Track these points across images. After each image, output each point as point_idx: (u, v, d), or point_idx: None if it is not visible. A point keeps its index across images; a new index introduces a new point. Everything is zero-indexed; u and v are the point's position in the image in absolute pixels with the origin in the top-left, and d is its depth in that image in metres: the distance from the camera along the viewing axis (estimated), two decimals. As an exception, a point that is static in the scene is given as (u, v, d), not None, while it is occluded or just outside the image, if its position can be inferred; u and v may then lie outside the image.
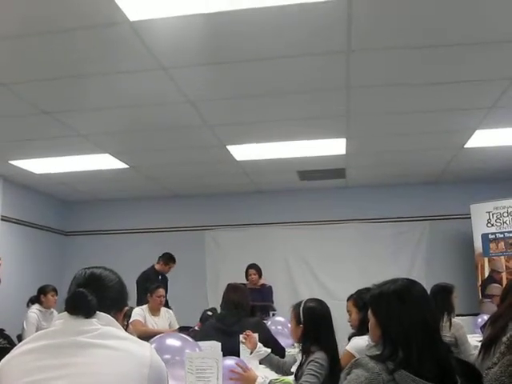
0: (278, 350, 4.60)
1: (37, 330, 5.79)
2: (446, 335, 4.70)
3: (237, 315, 4.52)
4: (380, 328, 2.13)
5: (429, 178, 8.62)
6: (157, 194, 9.42)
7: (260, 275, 7.73)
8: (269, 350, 3.98)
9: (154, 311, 6.43)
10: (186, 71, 4.57)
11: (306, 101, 5.29)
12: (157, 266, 7.78)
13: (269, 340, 4.53)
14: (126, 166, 7.61)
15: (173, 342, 3.49)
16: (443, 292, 5.07)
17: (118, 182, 8.64)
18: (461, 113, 5.64)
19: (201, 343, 3.59)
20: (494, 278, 7.87)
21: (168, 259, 7.79)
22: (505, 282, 7.49)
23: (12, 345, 5.18)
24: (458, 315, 5.17)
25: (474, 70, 4.62)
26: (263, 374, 3.65)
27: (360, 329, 3.83)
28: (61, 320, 1.84)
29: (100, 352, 1.74)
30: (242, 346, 4.13)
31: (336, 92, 5.08)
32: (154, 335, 5.43)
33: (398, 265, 8.52)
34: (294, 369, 3.53)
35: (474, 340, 5.32)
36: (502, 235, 7.87)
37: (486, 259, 8.01)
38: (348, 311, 4.15)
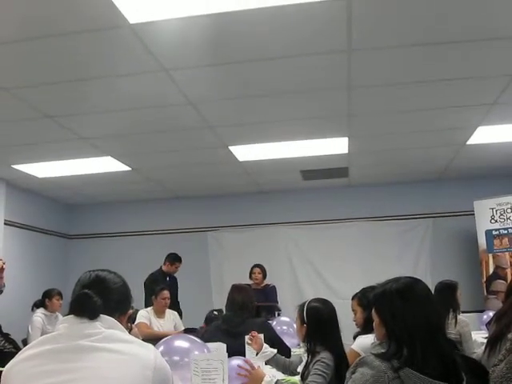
0: (284, 350, 4.60)
1: (42, 334, 5.79)
2: (452, 332, 4.69)
3: (242, 316, 4.52)
4: (384, 326, 2.13)
5: (431, 175, 8.62)
6: (160, 195, 9.42)
7: (265, 276, 7.74)
8: (275, 351, 3.98)
9: (159, 313, 6.43)
10: (188, 72, 4.57)
11: (307, 100, 5.29)
12: (164, 268, 7.79)
13: (274, 340, 4.52)
14: (129, 169, 7.62)
15: (181, 343, 3.49)
16: (448, 289, 5.06)
17: (120, 185, 8.65)
18: (462, 110, 5.63)
19: (207, 344, 3.59)
20: (498, 274, 7.86)
21: (173, 259, 7.79)
22: (510, 278, 7.49)
23: (17, 349, 5.18)
24: (463, 312, 5.16)
25: (476, 67, 4.62)
26: (270, 373, 3.64)
27: (365, 327, 3.82)
28: (64, 324, 1.84)
29: (104, 356, 1.74)
30: (247, 347, 4.13)
31: (338, 91, 5.08)
32: (160, 337, 5.44)
33: (402, 263, 8.50)
34: (300, 369, 3.53)
35: (480, 337, 5.32)
36: (506, 231, 7.86)
37: (491, 255, 8.00)
38: (353, 310, 4.14)
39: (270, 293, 7.61)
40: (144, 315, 6.27)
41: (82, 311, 1.82)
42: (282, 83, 4.85)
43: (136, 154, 7.05)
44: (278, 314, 6.69)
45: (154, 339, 5.12)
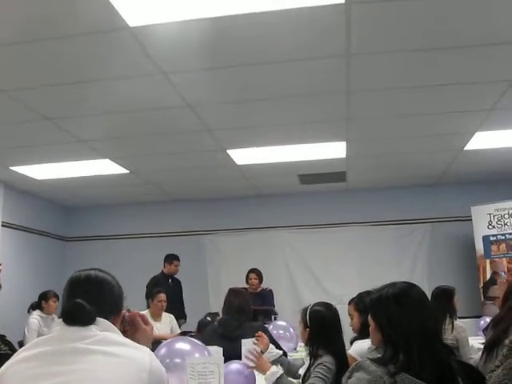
0: (280, 355, 4.60)
1: (38, 336, 5.76)
2: (448, 338, 4.69)
3: (238, 320, 4.52)
4: (380, 332, 2.13)
5: (429, 180, 8.62)
6: (157, 198, 9.42)
7: (261, 280, 7.74)
8: (280, 352, 3.98)
9: (156, 316, 6.41)
10: (186, 76, 4.57)
11: (306, 104, 5.29)
12: (165, 270, 7.81)
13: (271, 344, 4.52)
14: (126, 171, 7.62)
15: (182, 346, 3.49)
16: (444, 295, 5.06)
17: (118, 187, 8.64)
18: (461, 115, 5.64)
19: (204, 348, 3.59)
20: (495, 279, 7.86)
21: (171, 258, 7.82)
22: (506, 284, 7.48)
23: (13, 351, 5.15)
24: (460, 317, 5.17)
25: (474, 72, 4.62)
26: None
27: (362, 332, 3.81)
28: (59, 326, 1.83)
29: (99, 358, 1.73)
30: (243, 351, 4.12)
31: (336, 95, 5.08)
32: (156, 340, 5.43)
33: (399, 267, 8.51)
34: (301, 371, 3.53)
35: (477, 342, 5.32)
36: (504, 237, 7.86)
37: (488, 261, 8.00)
38: (349, 315, 4.14)
39: (266, 297, 7.61)
40: (140, 318, 6.25)
41: (74, 321, 1.80)
42: (281, 87, 4.86)
43: (134, 157, 7.05)
44: (275, 318, 6.68)
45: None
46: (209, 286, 9.30)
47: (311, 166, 7.50)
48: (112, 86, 4.72)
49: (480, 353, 3.28)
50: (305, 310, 3.48)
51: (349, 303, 4.20)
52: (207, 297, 9.12)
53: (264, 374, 3.30)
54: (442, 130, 6.15)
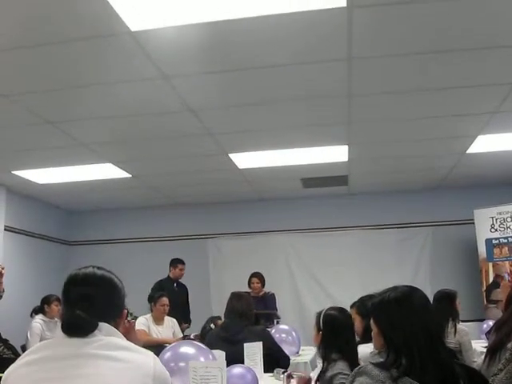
0: (283, 358, 4.60)
1: (41, 340, 5.78)
2: (451, 341, 4.68)
3: (241, 324, 4.52)
4: (382, 336, 2.13)
5: (431, 183, 8.62)
6: (160, 202, 9.42)
7: (263, 284, 7.75)
8: None
9: (158, 320, 6.42)
10: (188, 80, 4.58)
11: (307, 108, 5.30)
12: (170, 274, 7.85)
13: (273, 348, 4.53)
14: (129, 176, 7.62)
15: (187, 349, 3.49)
16: (446, 298, 5.05)
17: (120, 192, 8.65)
18: (463, 118, 5.64)
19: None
20: (498, 283, 7.84)
21: (175, 262, 7.86)
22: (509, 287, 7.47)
23: (16, 355, 5.17)
24: (462, 321, 5.15)
25: (476, 76, 4.62)
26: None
27: (364, 336, 3.82)
28: (60, 337, 1.81)
29: (105, 363, 1.72)
30: (246, 354, 4.12)
31: (338, 99, 5.08)
32: (159, 344, 5.44)
33: (401, 271, 8.49)
34: (313, 374, 3.52)
35: (479, 346, 5.31)
36: (506, 240, 7.85)
37: (491, 264, 7.99)
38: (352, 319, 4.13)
39: (269, 300, 7.62)
40: (143, 322, 6.26)
41: (75, 333, 1.78)
42: (282, 91, 4.86)
43: (136, 161, 7.06)
44: (277, 322, 6.68)
45: (152, 346, 5.12)
46: (211, 289, 9.29)
47: (313, 169, 7.50)
48: (114, 90, 4.73)
49: (483, 356, 3.28)
50: (319, 313, 3.48)
51: (351, 307, 4.20)
52: (209, 301, 9.11)
53: None
54: (444, 134, 6.15)
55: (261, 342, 4.22)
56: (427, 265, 8.76)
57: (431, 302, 2.41)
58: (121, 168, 7.25)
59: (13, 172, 7.26)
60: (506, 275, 7.79)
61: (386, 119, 5.67)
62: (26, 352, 1.84)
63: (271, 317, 6.88)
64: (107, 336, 1.80)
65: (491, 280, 7.98)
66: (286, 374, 3.87)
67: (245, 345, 4.15)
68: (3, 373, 1.79)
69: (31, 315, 6.70)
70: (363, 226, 9.01)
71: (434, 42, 4.01)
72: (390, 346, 2.06)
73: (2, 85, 4.56)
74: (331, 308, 3.49)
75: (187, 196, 9.09)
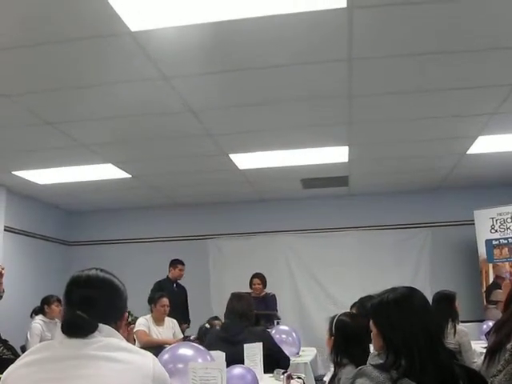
0: (283, 359, 4.60)
1: (41, 341, 5.78)
2: (451, 342, 4.68)
3: (241, 324, 4.51)
4: (381, 337, 2.13)
5: (432, 184, 8.61)
6: (160, 203, 9.42)
7: (265, 285, 7.76)
8: None
9: (158, 321, 6.41)
10: (188, 80, 4.58)
11: (308, 109, 5.30)
12: (170, 275, 7.85)
13: (273, 349, 4.52)
14: (129, 176, 7.62)
15: (185, 351, 3.49)
16: (446, 299, 5.05)
17: (120, 192, 8.65)
18: (463, 119, 5.64)
19: (207, 353, 3.59)
20: (498, 283, 7.83)
21: (175, 263, 7.87)
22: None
23: (16, 356, 5.17)
24: (462, 322, 5.15)
25: (477, 77, 4.62)
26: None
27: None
28: (60, 338, 1.81)
29: (105, 364, 1.73)
30: (246, 355, 4.12)
31: (338, 100, 5.08)
32: (159, 345, 5.44)
33: (401, 272, 8.48)
34: (326, 378, 3.52)
35: (479, 347, 5.31)
36: (506, 241, 7.85)
37: (491, 265, 7.99)
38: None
39: (269, 301, 7.62)
40: (143, 323, 6.25)
41: (75, 333, 1.78)
42: (283, 91, 4.86)
43: (136, 161, 7.06)
44: (278, 323, 6.68)
45: (152, 347, 5.12)
46: (211, 290, 9.28)
47: (314, 170, 7.50)
48: (114, 90, 4.73)
49: (482, 357, 3.27)
50: (332, 318, 3.49)
51: (350, 308, 4.20)
52: (210, 301, 9.11)
53: None
54: (444, 134, 6.15)
55: (261, 343, 4.22)
56: (427, 265, 8.76)
57: (431, 302, 2.41)
58: (121, 168, 7.25)
59: (13, 172, 7.26)
60: (508, 275, 7.78)
61: (386, 120, 5.66)
62: (26, 353, 1.84)
63: (271, 317, 6.88)
64: (107, 337, 1.80)
65: (491, 281, 7.97)
66: (286, 374, 3.88)
67: (245, 345, 4.15)
68: (3, 373, 1.79)
69: (31, 316, 6.69)
70: (363, 226, 9.01)
71: (434, 43, 4.01)
72: (390, 347, 2.06)
73: (2, 85, 4.56)
74: (344, 314, 3.51)
75: (187, 196, 9.09)
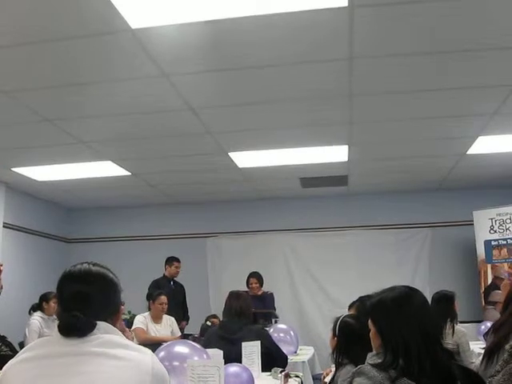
0: (281, 358, 4.60)
1: (39, 337, 5.78)
2: (449, 342, 4.68)
3: (239, 323, 4.52)
4: (380, 336, 2.13)
5: (431, 184, 8.61)
6: (159, 201, 9.42)
7: (261, 284, 7.74)
8: None
9: (156, 319, 6.41)
10: (188, 78, 4.57)
11: (308, 108, 5.29)
12: (166, 273, 7.83)
13: (271, 348, 4.52)
14: (128, 173, 7.62)
15: (181, 349, 3.49)
16: (445, 300, 5.05)
17: (120, 189, 8.65)
18: (463, 119, 5.64)
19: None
20: (497, 284, 7.84)
21: (171, 260, 7.83)
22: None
23: (14, 352, 5.16)
24: (460, 322, 5.16)
25: (477, 77, 4.62)
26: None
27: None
28: (57, 338, 1.80)
29: (105, 361, 1.72)
30: (243, 353, 4.12)
31: (338, 99, 5.08)
32: (157, 342, 5.43)
33: (400, 272, 8.49)
34: (327, 379, 3.53)
35: (477, 347, 5.31)
36: (505, 242, 7.85)
37: (489, 266, 7.99)
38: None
39: (267, 300, 7.61)
40: (141, 320, 6.26)
41: (72, 333, 1.77)
42: (283, 90, 4.86)
43: (136, 159, 7.06)
44: (275, 321, 6.69)
45: (150, 344, 5.12)
46: (209, 288, 9.29)
47: (313, 169, 7.49)
48: (113, 87, 4.72)
49: (480, 357, 3.28)
50: (337, 319, 3.50)
51: (349, 307, 4.20)
52: (208, 299, 9.11)
53: None
54: (444, 135, 6.15)
55: (259, 341, 4.23)
56: (426, 265, 8.76)
57: (430, 302, 2.41)
58: (120, 166, 7.24)
59: (12, 169, 7.26)
60: (507, 274, 7.78)
61: (386, 119, 5.66)
62: (24, 349, 1.83)
63: (269, 316, 6.88)
64: (105, 334, 1.79)
65: (490, 281, 7.98)
66: (283, 373, 3.89)
67: (243, 344, 4.15)
68: (1, 369, 1.79)
69: (29, 312, 6.70)
70: (362, 226, 9.01)
71: (435, 43, 4.01)
72: (388, 347, 2.06)
73: (2, 81, 4.55)
74: (349, 315, 3.53)
75: (186, 194, 9.09)
